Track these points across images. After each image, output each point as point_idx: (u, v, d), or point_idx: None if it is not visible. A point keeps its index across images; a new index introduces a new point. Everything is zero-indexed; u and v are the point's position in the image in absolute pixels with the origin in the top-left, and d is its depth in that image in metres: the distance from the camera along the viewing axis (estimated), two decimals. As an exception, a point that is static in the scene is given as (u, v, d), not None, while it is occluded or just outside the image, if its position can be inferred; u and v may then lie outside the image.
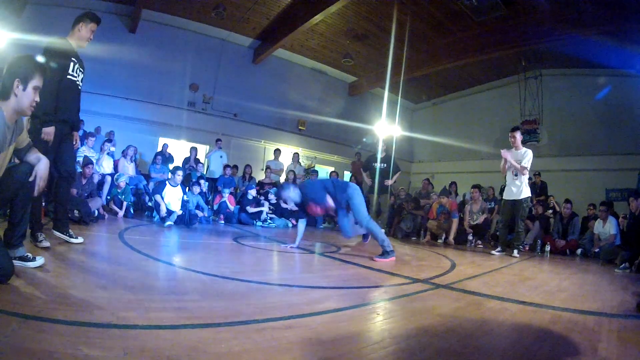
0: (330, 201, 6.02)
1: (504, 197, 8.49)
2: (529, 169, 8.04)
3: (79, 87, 4.78)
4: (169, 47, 14.59)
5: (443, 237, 10.36)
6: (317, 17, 12.56)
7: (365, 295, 3.57)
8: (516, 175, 8.07)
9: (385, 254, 5.88)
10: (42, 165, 3.18)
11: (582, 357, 2.30)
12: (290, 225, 11.19)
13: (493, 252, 8.30)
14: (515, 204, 8.15)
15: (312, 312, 2.75)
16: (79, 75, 4.73)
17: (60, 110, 4.48)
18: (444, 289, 4.04)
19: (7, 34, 10.30)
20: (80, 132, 5.06)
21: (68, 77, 4.56)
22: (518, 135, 8.20)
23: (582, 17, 10.77)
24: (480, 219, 10.49)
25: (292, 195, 6.13)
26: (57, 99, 4.42)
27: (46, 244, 4.20)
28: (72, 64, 4.59)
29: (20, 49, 10.08)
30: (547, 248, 9.55)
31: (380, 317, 2.84)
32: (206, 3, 13.26)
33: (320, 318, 2.64)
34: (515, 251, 8.08)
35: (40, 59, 3.16)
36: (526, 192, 8.11)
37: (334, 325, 2.55)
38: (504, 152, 8.11)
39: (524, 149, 8.13)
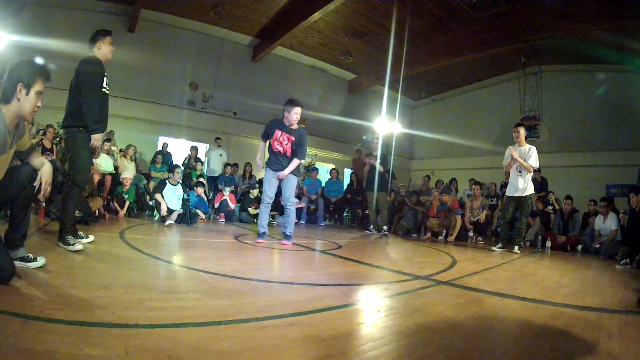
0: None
1: (506, 194, 8.49)
2: (537, 167, 8.08)
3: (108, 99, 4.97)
4: (168, 46, 14.62)
5: (444, 234, 10.35)
6: (316, 15, 12.57)
7: (367, 292, 3.58)
8: (520, 172, 8.06)
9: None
10: (46, 170, 3.18)
11: (583, 353, 2.30)
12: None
13: (494, 248, 8.31)
14: (520, 200, 8.18)
15: (314, 309, 2.74)
16: (108, 89, 4.91)
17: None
18: (445, 285, 4.05)
19: (6, 35, 10.27)
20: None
21: (102, 89, 4.74)
22: (522, 131, 8.23)
23: (581, 13, 10.76)
24: (481, 216, 10.48)
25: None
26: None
27: (79, 247, 4.22)
28: (105, 78, 4.78)
29: (20, 50, 10.13)
30: (548, 244, 9.56)
31: (382, 314, 2.84)
32: (205, 2, 13.25)
33: (321, 315, 2.64)
34: (517, 247, 8.14)
35: (40, 61, 3.12)
36: (530, 189, 8.13)
37: (336, 322, 2.55)
38: (513, 150, 8.12)
39: (527, 146, 8.14)
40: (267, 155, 6.91)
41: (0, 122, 2.80)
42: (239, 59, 16.30)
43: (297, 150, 6.64)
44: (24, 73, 2.93)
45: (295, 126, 6.72)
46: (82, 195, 4.84)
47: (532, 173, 8.18)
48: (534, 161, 7.96)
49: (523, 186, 8.09)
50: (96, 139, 4.56)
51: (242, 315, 2.46)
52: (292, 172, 6.63)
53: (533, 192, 8.29)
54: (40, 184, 3.14)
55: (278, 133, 6.61)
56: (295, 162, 6.64)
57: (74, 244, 4.20)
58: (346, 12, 13.25)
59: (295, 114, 6.62)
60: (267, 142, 6.78)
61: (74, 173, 4.61)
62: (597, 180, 14.05)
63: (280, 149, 6.61)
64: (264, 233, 6.58)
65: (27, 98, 2.92)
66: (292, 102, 6.69)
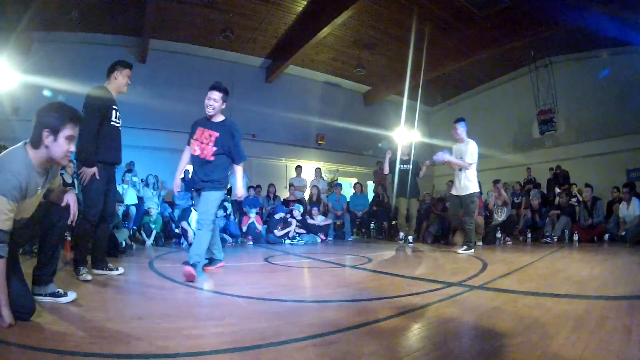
0: None
1: (451, 192, 8.33)
2: (473, 162, 7.81)
3: (120, 132, 4.98)
4: (181, 73, 14.81)
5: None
6: (325, 31, 12.66)
7: (402, 303, 3.55)
8: (461, 169, 7.88)
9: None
10: (73, 196, 3.20)
11: (619, 342, 2.27)
12: (318, 240, 11.21)
13: (459, 250, 7.80)
14: (461, 200, 7.96)
15: (351, 325, 2.73)
16: (120, 121, 4.92)
17: (107, 154, 4.71)
18: (478, 290, 4.02)
19: (17, 75, 10.48)
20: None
21: (112, 123, 4.75)
22: (459, 128, 8.06)
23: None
24: (504, 215, 10.44)
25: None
26: (104, 143, 4.64)
27: (88, 277, 4.27)
28: (114, 111, 4.79)
29: (32, 89, 10.34)
30: (576, 237, 9.48)
31: (419, 324, 2.83)
32: (213, 27, 13.42)
33: (360, 331, 2.63)
34: (465, 247, 7.77)
35: (67, 106, 3.08)
36: (471, 188, 7.85)
37: (375, 336, 2.54)
38: (439, 155, 7.98)
39: (466, 140, 7.96)
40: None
41: (28, 167, 2.74)
42: (253, 81, 16.46)
43: (231, 151, 5.04)
44: (51, 118, 2.80)
45: (220, 118, 5.13)
46: (92, 227, 4.77)
47: (471, 170, 7.87)
48: (469, 157, 7.74)
49: (462, 184, 7.87)
50: (86, 172, 4.50)
51: (281, 337, 2.46)
52: (213, 186, 4.94)
53: (475, 190, 7.93)
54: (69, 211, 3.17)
55: (200, 131, 5.04)
56: (239, 171, 5.19)
57: (84, 274, 4.28)
58: (354, 25, 13.33)
59: (207, 100, 5.01)
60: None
61: (85, 207, 4.62)
62: (617, 166, 13.89)
63: (199, 152, 4.99)
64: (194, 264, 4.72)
65: (56, 144, 2.79)
66: (210, 87, 5.06)
